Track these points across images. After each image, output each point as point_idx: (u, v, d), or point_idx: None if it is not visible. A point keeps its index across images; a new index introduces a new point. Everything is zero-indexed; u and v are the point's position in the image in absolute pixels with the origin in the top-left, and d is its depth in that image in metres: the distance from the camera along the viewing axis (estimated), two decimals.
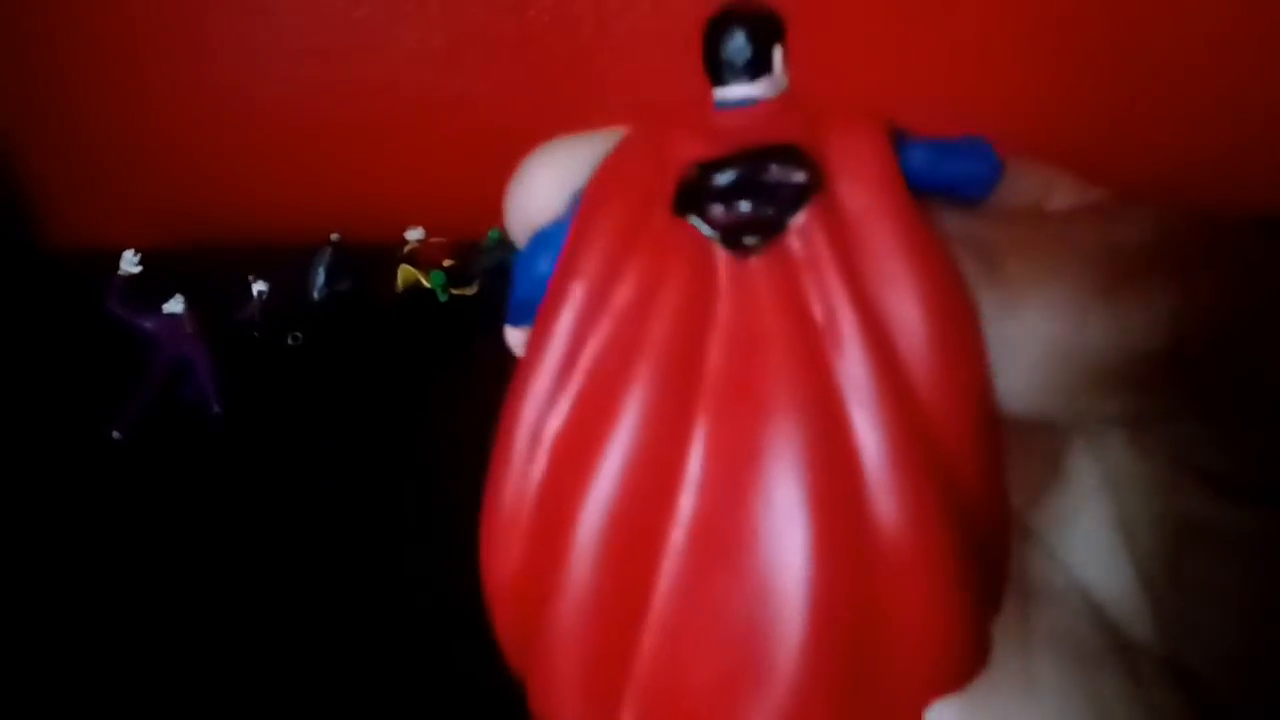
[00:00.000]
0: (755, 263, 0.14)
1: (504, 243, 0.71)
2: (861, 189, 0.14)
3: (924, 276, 0.13)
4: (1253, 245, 0.14)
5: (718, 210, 0.14)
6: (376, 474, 0.57)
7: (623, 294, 0.14)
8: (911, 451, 0.13)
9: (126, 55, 0.80)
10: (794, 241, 0.14)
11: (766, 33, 0.15)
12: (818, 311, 0.13)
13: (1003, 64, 0.76)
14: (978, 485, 0.14)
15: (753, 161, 0.14)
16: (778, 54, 0.15)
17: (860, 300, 0.13)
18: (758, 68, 0.15)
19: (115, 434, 0.60)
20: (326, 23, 0.78)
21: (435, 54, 0.80)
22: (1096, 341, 0.13)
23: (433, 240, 0.72)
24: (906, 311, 0.13)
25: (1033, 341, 0.13)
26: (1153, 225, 0.14)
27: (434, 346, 0.68)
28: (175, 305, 0.60)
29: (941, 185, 0.14)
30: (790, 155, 0.14)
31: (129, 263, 0.60)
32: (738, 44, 0.15)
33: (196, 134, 0.83)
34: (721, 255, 0.14)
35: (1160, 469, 0.16)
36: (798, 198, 0.14)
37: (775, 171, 0.14)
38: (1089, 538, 0.18)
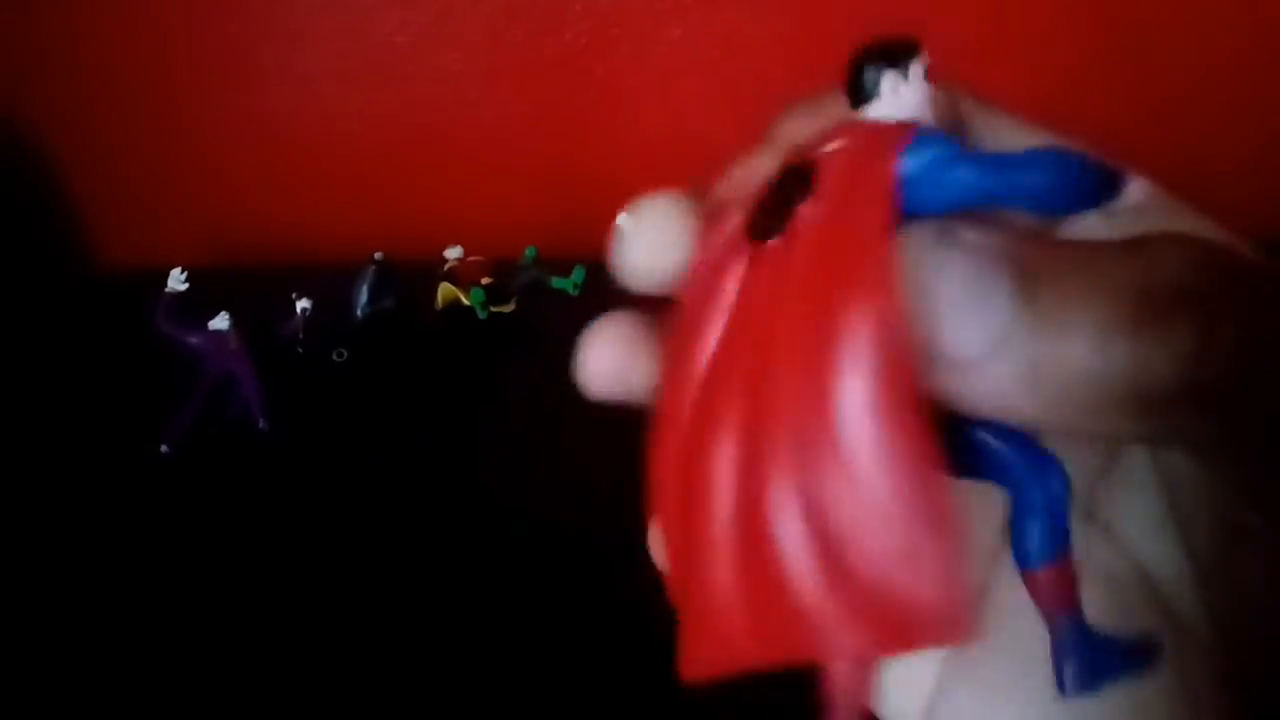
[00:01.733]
0: (761, 256, 0.17)
1: (540, 261, 0.72)
2: (845, 207, 0.16)
3: (866, 295, 0.15)
4: (1276, 299, 0.15)
5: (756, 216, 0.17)
6: (418, 485, 0.58)
7: (713, 270, 0.18)
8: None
9: (174, 81, 0.82)
10: (778, 245, 0.17)
11: (872, 65, 0.17)
12: (776, 302, 0.16)
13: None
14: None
15: (779, 178, 0.17)
16: (886, 81, 0.17)
17: (809, 305, 0.16)
18: (859, 97, 0.17)
19: (163, 448, 0.61)
20: (369, 47, 0.80)
21: (475, 76, 0.81)
22: (1116, 371, 0.14)
23: (471, 259, 0.73)
24: (851, 321, 0.15)
25: (1056, 362, 0.14)
26: (1183, 270, 0.14)
27: (474, 362, 0.69)
28: (221, 322, 0.62)
29: (997, 198, 0.15)
30: (798, 173, 0.17)
31: (176, 281, 0.61)
32: (850, 77, 0.17)
33: (242, 157, 0.85)
34: (748, 249, 0.17)
35: (1205, 474, 0.17)
36: (788, 210, 0.16)
37: (785, 187, 0.17)
38: (1145, 522, 0.19)
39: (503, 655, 0.48)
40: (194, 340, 0.62)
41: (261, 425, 0.63)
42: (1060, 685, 0.16)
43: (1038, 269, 0.14)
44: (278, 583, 0.52)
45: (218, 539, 0.55)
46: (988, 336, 0.14)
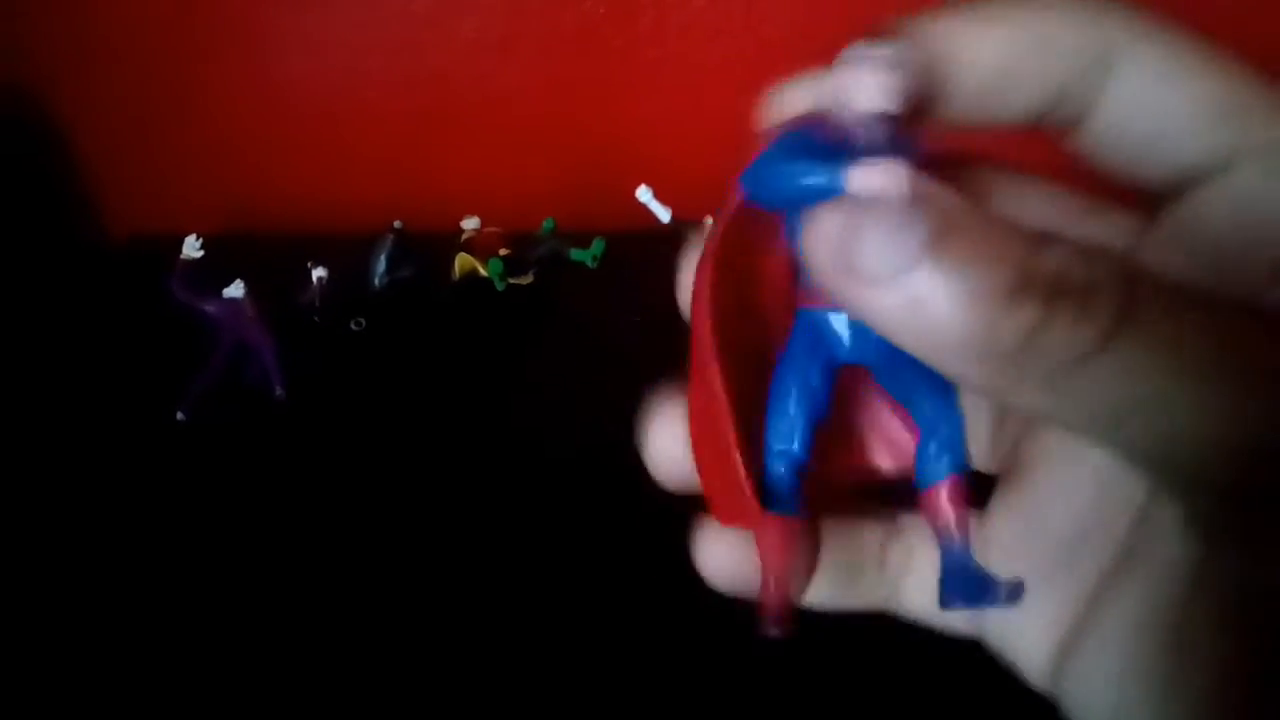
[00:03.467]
0: None
1: (558, 233, 0.72)
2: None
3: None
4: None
5: None
6: (434, 456, 0.58)
7: None
8: None
9: (189, 48, 0.82)
10: None
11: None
12: None
13: None
14: None
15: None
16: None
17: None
18: None
19: (180, 415, 0.61)
20: (387, 15, 0.79)
21: (493, 45, 0.80)
22: (972, 324, 0.16)
23: (489, 230, 0.73)
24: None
25: (935, 302, 0.16)
26: (1054, 262, 0.16)
27: (491, 334, 0.69)
28: (236, 290, 0.62)
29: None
30: None
31: (191, 248, 0.61)
32: None
33: (258, 124, 0.85)
34: None
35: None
36: None
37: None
38: None
39: (511, 635, 0.48)
40: (209, 308, 0.62)
41: (278, 393, 0.63)
42: (941, 601, 0.19)
43: (954, 224, 0.16)
44: (293, 550, 0.53)
45: (233, 506, 0.55)
46: (896, 263, 0.16)
